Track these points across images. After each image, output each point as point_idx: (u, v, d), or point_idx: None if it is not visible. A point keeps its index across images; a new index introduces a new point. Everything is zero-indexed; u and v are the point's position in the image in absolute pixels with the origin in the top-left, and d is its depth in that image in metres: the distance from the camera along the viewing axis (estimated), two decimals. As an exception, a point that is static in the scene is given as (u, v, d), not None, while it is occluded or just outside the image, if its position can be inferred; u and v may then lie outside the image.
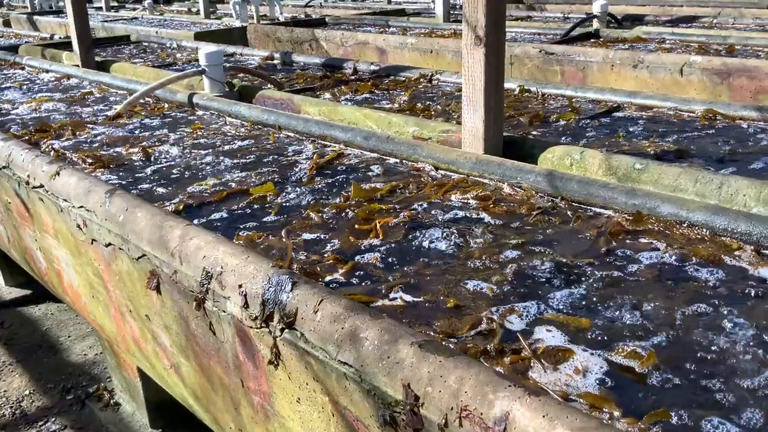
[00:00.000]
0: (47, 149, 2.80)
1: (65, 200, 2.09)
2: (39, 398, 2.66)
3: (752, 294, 1.48)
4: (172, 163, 2.58)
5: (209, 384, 1.71)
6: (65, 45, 5.27)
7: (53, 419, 2.53)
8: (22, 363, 2.89)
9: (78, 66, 4.60)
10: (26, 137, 2.98)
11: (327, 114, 3.05)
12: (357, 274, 1.64)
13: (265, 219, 2.01)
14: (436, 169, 2.34)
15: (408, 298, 1.52)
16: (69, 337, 3.08)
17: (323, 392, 1.29)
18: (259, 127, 3.05)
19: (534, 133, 2.76)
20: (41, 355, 2.95)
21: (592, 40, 5.31)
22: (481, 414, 1.00)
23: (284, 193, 2.20)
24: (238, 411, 1.63)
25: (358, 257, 1.73)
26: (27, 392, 2.69)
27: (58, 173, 2.18)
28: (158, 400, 2.36)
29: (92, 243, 1.99)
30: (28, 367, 2.86)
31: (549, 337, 1.34)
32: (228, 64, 3.96)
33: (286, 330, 1.33)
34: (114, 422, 2.49)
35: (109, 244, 1.89)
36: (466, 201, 2.06)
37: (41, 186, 2.23)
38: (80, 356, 2.92)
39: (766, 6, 7.02)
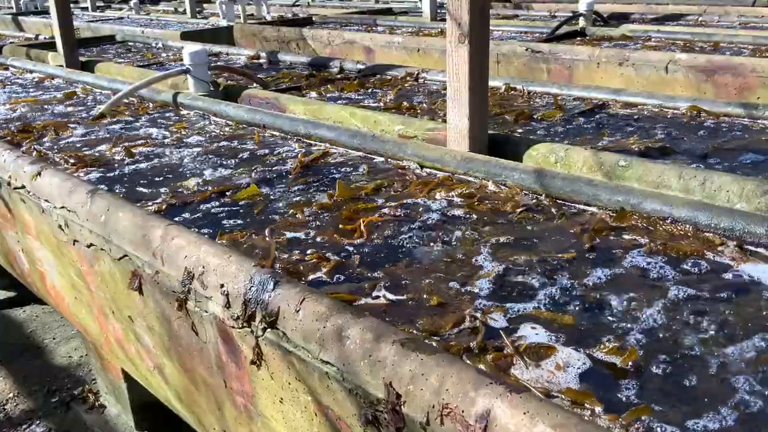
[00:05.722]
0: (29, 150, 2.77)
1: (47, 201, 2.07)
2: (23, 401, 2.63)
3: (734, 289, 1.48)
4: (156, 162, 2.57)
5: (193, 385, 1.70)
6: (50, 45, 5.22)
7: (38, 422, 2.51)
8: (7, 366, 2.87)
9: (62, 66, 4.56)
10: (8, 138, 2.96)
11: (313, 113, 3.04)
12: (341, 272, 1.64)
13: (248, 218, 2.00)
14: (422, 167, 2.34)
15: (391, 296, 1.51)
16: (54, 339, 3.05)
17: (306, 392, 1.28)
18: (245, 126, 3.03)
19: (519, 130, 2.76)
20: (26, 357, 2.92)
21: (578, 39, 5.32)
22: (463, 411, 1.00)
23: (268, 192, 2.19)
24: (221, 412, 1.62)
25: (342, 256, 1.72)
26: (11, 395, 2.67)
27: (39, 173, 2.16)
28: (143, 401, 2.34)
29: (74, 244, 1.97)
30: (13, 370, 2.83)
31: (532, 334, 1.34)
32: (213, 64, 3.94)
33: (269, 329, 1.32)
34: (99, 425, 2.47)
35: (91, 245, 1.87)
36: (451, 199, 2.06)
37: (23, 187, 2.21)
38: (65, 358, 2.89)
39: (751, 4, 7.06)
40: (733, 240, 1.68)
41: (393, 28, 6.68)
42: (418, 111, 3.14)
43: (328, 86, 3.80)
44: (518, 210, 1.94)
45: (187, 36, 6.19)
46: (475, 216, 1.93)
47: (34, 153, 2.71)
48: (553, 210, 1.94)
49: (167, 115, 3.34)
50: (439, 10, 7.15)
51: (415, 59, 4.85)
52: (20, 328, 3.16)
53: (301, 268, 1.66)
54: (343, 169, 2.38)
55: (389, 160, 2.44)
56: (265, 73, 4.41)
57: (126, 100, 3.57)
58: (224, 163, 2.53)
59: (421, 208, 2.00)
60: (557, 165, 2.23)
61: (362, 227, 1.86)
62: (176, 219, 2.00)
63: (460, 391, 1.02)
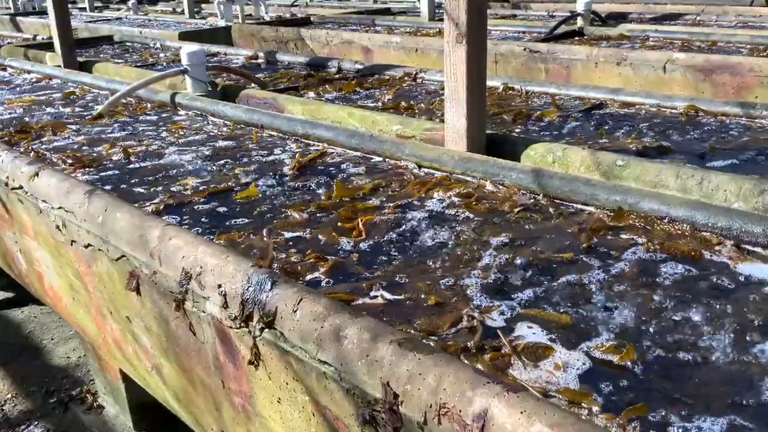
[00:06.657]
0: (27, 150, 2.77)
1: (44, 201, 2.07)
2: (21, 402, 2.63)
3: (732, 288, 1.48)
4: (153, 163, 2.56)
5: (190, 385, 1.70)
6: (48, 46, 5.21)
7: (36, 423, 2.51)
8: (5, 366, 2.86)
9: (60, 66, 4.56)
10: (6, 138, 2.95)
11: (311, 113, 3.03)
12: (339, 272, 1.64)
13: (246, 218, 2.00)
14: (420, 167, 2.34)
15: (389, 296, 1.51)
16: (52, 339, 3.05)
17: (303, 392, 1.28)
18: (242, 126, 3.03)
19: (517, 130, 2.76)
20: (24, 358, 2.92)
21: (576, 38, 5.32)
22: (460, 411, 1.00)
23: (266, 192, 2.19)
24: (219, 412, 1.62)
25: (339, 256, 1.72)
26: (9, 396, 2.67)
27: (37, 174, 2.16)
28: (141, 401, 2.34)
29: (72, 244, 1.97)
30: (11, 371, 2.83)
31: (530, 333, 1.34)
32: (211, 64, 3.93)
33: (266, 330, 1.32)
34: (98, 425, 2.47)
35: (89, 245, 1.87)
36: (449, 199, 2.06)
37: (20, 187, 2.21)
38: (63, 359, 2.89)
39: (749, 3, 7.07)
40: (731, 239, 1.68)
41: (391, 28, 6.68)
42: (416, 111, 3.14)
43: (326, 86, 3.80)
44: (516, 210, 1.94)
45: (185, 36, 6.18)
46: (472, 216, 1.93)
47: (32, 153, 2.71)
48: (551, 210, 1.95)
49: (165, 115, 3.34)
50: (437, 10, 7.15)
51: (413, 59, 4.85)
52: (18, 329, 3.16)
53: (299, 268, 1.66)
54: (341, 169, 2.38)
55: (387, 159, 2.44)
56: (263, 73, 4.40)
57: (124, 101, 3.57)
58: (222, 163, 2.52)
59: (419, 208, 2.00)
60: (555, 165, 2.23)
61: (361, 227, 1.86)
62: (174, 219, 2.00)
63: (457, 390, 1.02)
